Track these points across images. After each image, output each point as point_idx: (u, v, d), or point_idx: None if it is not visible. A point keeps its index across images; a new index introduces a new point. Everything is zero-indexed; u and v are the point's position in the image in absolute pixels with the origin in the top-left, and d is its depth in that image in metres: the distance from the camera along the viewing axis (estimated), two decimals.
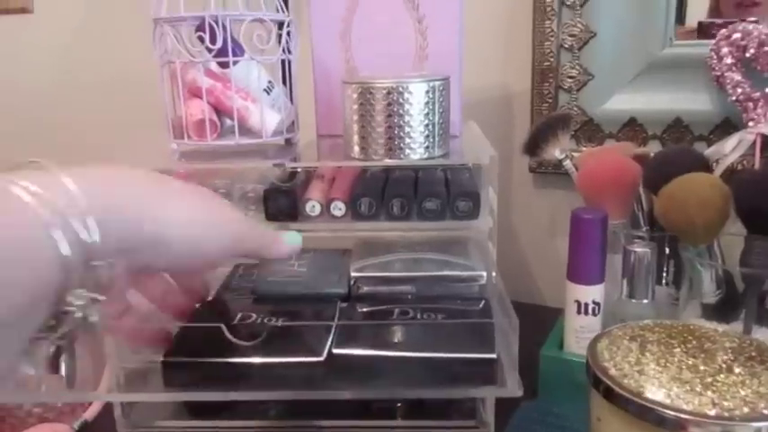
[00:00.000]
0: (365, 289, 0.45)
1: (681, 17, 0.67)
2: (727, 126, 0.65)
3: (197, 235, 0.32)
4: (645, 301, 0.52)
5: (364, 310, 0.43)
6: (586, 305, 0.53)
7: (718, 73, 0.61)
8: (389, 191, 0.48)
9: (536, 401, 0.55)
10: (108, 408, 0.53)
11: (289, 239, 0.39)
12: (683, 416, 0.32)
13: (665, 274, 0.60)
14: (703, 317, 0.51)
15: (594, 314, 0.53)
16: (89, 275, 0.27)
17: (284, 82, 0.58)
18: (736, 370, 0.36)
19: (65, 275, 0.26)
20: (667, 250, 0.59)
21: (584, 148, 0.73)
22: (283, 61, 0.56)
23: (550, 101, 0.73)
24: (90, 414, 0.52)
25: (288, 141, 0.56)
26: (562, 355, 0.55)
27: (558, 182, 0.75)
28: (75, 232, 0.26)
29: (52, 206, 0.26)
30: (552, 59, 0.72)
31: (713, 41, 0.61)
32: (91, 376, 0.53)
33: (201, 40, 0.50)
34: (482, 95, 0.78)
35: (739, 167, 0.63)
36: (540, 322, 0.62)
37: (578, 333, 0.54)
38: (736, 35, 0.59)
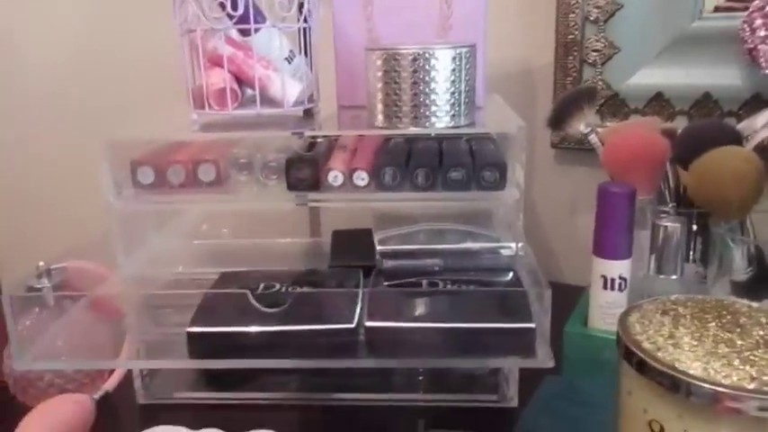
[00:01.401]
0: (390, 263, 0.45)
1: None
2: (758, 101, 0.64)
3: None
4: (673, 276, 0.51)
5: (391, 283, 0.43)
6: (613, 280, 0.52)
7: (751, 46, 0.59)
8: (414, 161, 0.47)
9: (559, 378, 0.54)
10: (128, 380, 0.53)
11: None
12: (720, 389, 0.31)
13: (691, 252, 0.58)
14: (733, 294, 0.50)
15: (621, 290, 0.52)
16: None
17: (305, 52, 0.57)
18: None
19: None
20: (695, 227, 0.58)
21: (608, 124, 0.71)
22: (304, 30, 0.55)
23: (574, 75, 0.72)
24: (110, 385, 0.52)
25: (308, 111, 0.55)
26: (587, 331, 0.54)
27: (581, 158, 0.74)
28: None
29: None
30: (577, 32, 0.70)
31: (745, 13, 0.59)
32: (111, 349, 0.53)
33: (222, 6, 0.48)
34: (504, 69, 0.77)
35: None
36: (560, 300, 0.61)
37: (604, 309, 0.53)
38: None
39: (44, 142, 1.05)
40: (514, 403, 0.50)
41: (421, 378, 0.50)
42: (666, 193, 0.60)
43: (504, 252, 0.45)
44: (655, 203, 0.58)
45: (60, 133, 1.05)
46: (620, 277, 0.51)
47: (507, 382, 0.49)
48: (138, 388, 0.53)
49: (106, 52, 1.02)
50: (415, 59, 0.44)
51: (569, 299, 0.59)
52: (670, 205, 0.59)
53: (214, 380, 0.53)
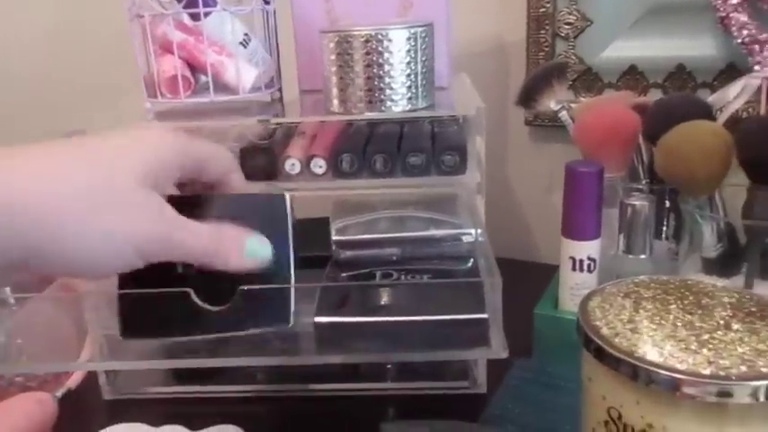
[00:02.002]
0: (347, 253, 0.43)
1: None
2: (732, 72, 0.62)
3: (85, 248, 0.27)
4: (642, 256, 0.50)
5: (346, 274, 0.41)
6: (581, 261, 0.51)
7: (723, 14, 0.57)
8: (372, 146, 0.45)
9: (529, 361, 0.54)
10: (92, 375, 0.52)
11: (249, 250, 0.32)
12: (676, 375, 0.31)
13: (664, 228, 0.57)
14: (703, 271, 0.49)
15: (590, 271, 0.51)
16: None
17: (265, 35, 0.55)
18: (735, 326, 0.34)
19: None
20: (667, 203, 0.57)
21: (582, 99, 0.70)
22: (264, 13, 0.53)
23: (547, 49, 0.70)
24: (73, 382, 0.51)
25: (269, 97, 0.54)
26: (556, 313, 0.53)
27: (556, 135, 0.73)
28: None
29: None
30: (548, 5, 0.68)
31: None
32: (74, 344, 0.52)
33: None
34: (475, 46, 0.75)
35: (744, 115, 0.60)
36: (536, 279, 0.60)
37: (573, 290, 0.52)
38: None
39: None
40: (484, 389, 0.49)
41: (389, 366, 0.49)
42: (640, 168, 0.59)
43: (465, 239, 0.44)
44: (627, 181, 0.57)
45: (15, 123, 1.02)
46: (589, 258, 0.51)
47: (476, 368, 0.48)
48: (103, 384, 0.52)
49: (62, 37, 0.99)
50: (367, 41, 0.42)
51: (545, 278, 0.58)
52: (644, 182, 0.58)
53: (181, 374, 0.52)
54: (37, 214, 0.26)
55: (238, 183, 0.35)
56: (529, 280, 0.63)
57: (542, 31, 0.70)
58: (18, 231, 0.25)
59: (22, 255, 0.26)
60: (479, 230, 0.38)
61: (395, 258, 0.42)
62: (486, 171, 0.46)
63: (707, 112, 0.51)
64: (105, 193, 0.28)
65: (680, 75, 0.65)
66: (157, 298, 0.31)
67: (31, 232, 0.26)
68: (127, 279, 0.32)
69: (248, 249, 0.32)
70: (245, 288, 0.32)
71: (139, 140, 0.30)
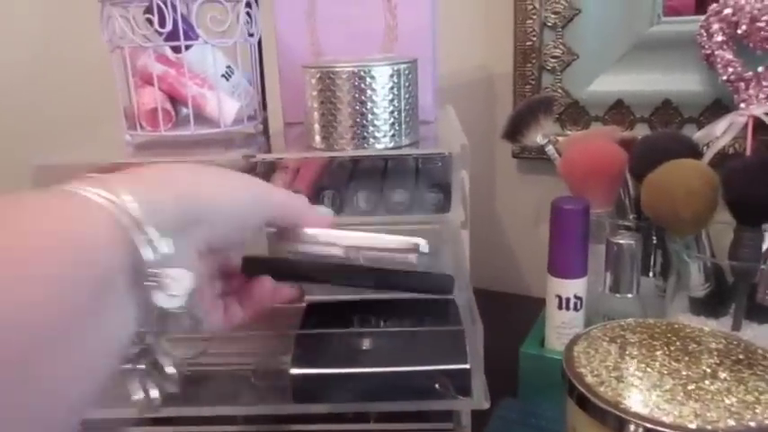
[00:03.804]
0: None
1: None
2: (718, 107, 0.62)
3: (243, 206, 0.35)
4: (629, 295, 0.49)
5: (323, 320, 0.40)
6: (568, 300, 0.50)
7: (709, 51, 0.58)
8: (355, 183, 0.44)
9: (516, 401, 0.52)
10: None
11: (322, 210, 0.40)
12: (661, 429, 0.30)
13: (652, 265, 0.57)
14: (691, 311, 0.48)
15: (576, 309, 0.50)
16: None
17: (252, 67, 0.54)
18: (722, 375, 0.33)
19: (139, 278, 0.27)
20: (655, 239, 0.56)
21: (569, 133, 0.70)
22: (249, 45, 0.53)
23: (533, 83, 0.70)
24: None
25: (252, 129, 0.53)
26: (542, 352, 0.52)
27: (544, 167, 0.72)
28: (150, 239, 0.27)
29: (127, 213, 0.27)
30: (535, 39, 0.69)
31: (702, 17, 0.58)
32: None
33: (150, 22, 0.46)
34: (462, 78, 0.75)
35: (731, 151, 0.60)
36: (524, 313, 0.59)
37: (560, 329, 0.51)
38: (728, 10, 0.56)
39: None
40: (469, 431, 0.48)
41: None
42: (627, 203, 0.58)
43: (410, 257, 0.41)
44: (614, 216, 0.57)
45: None
46: (575, 296, 0.50)
47: (460, 410, 0.46)
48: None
49: (43, 68, 0.99)
50: (350, 78, 0.42)
51: (533, 312, 0.57)
52: (631, 217, 0.58)
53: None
54: (207, 197, 0.33)
55: (314, 221, 0.39)
56: (517, 314, 0.62)
57: (529, 65, 0.70)
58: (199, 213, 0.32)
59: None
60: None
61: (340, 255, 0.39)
62: (473, 203, 0.45)
63: (692, 150, 0.51)
64: (232, 177, 0.35)
65: (666, 110, 0.65)
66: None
67: (206, 207, 0.32)
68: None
69: (321, 210, 0.39)
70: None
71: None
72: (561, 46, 0.68)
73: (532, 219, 0.77)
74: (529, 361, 0.52)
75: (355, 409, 0.38)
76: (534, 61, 0.69)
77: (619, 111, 0.67)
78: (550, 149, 0.60)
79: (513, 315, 0.61)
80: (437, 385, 0.36)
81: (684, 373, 0.33)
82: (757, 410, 0.30)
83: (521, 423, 0.50)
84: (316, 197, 0.44)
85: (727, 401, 0.31)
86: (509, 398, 0.53)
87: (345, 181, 0.45)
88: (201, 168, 0.34)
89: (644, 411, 0.31)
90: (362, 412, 0.48)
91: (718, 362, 0.34)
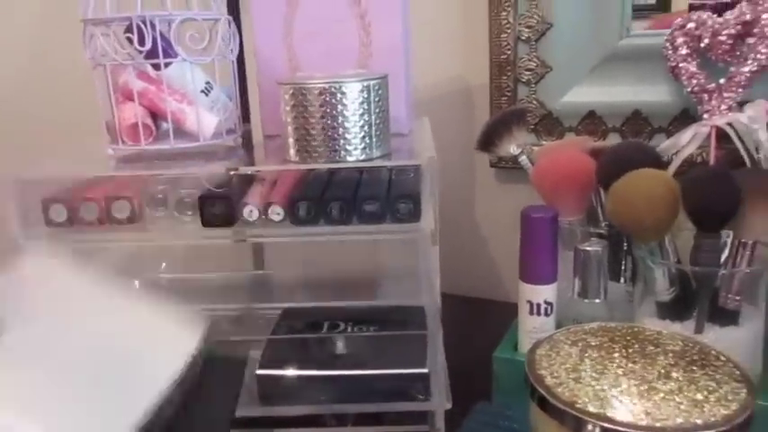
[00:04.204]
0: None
1: (665, 2, 0.65)
2: (686, 117, 0.64)
3: None
4: (597, 300, 0.51)
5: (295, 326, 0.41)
6: (538, 305, 0.52)
7: (674, 63, 0.60)
8: (329, 194, 0.46)
9: (490, 404, 0.54)
10: None
11: None
12: (613, 427, 0.31)
13: (623, 271, 0.58)
14: (657, 315, 0.50)
15: (547, 314, 0.52)
16: None
17: (233, 81, 0.56)
18: (675, 375, 0.35)
19: None
20: (626, 246, 0.58)
21: (544, 143, 0.72)
22: (229, 61, 0.55)
23: (509, 94, 0.72)
24: None
25: (234, 142, 0.55)
26: (516, 356, 0.54)
27: (521, 176, 0.74)
28: None
29: None
30: (509, 52, 0.70)
31: (668, 31, 0.60)
32: None
33: (130, 41, 0.48)
34: (440, 90, 0.77)
35: (699, 160, 0.62)
36: (501, 318, 0.61)
37: (531, 334, 0.52)
38: (691, 24, 0.58)
39: None
40: None
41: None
42: (599, 211, 0.60)
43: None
44: (585, 224, 0.58)
45: None
46: (546, 302, 0.51)
47: (435, 412, 0.48)
48: None
49: (29, 79, 1.00)
50: (321, 94, 0.43)
51: (511, 317, 0.59)
52: (602, 224, 0.59)
53: None
54: None
55: None
56: (494, 319, 0.63)
57: (504, 77, 0.71)
58: None
59: None
60: (436, 278, 0.38)
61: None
62: (452, 212, 0.46)
63: (655, 160, 0.53)
64: None
65: (636, 120, 0.67)
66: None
67: None
68: None
69: None
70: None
71: None
72: (535, 59, 0.70)
73: (510, 226, 0.78)
74: (502, 365, 0.53)
75: (316, 411, 0.39)
76: (509, 74, 0.71)
77: (591, 121, 0.69)
78: (524, 159, 0.62)
79: (490, 321, 0.63)
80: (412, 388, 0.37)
81: (640, 373, 0.35)
82: (705, 409, 0.32)
83: (493, 425, 0.51)
84: (291, 208, 0.46)
85: (678, 400, 0.32)
86: (484, 401, 0.54)
87: (320, 192, 0.47)
88: None
89: (598, 411, 0.32)
90: (341, 415, 0.49)
91: (672, 363, 0.36)
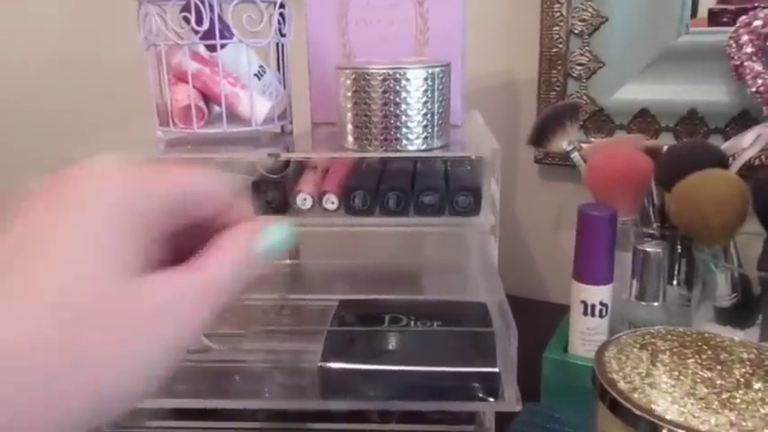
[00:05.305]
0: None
1: (694, 8, 0.64)
2: (745, 119, 0.62)
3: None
4: (655, 303, 0.49)
5: (355, 317, 0.40)
6: (593, 306, 0.50)
7: (738, 62, 0.58)
8: (385, 184, 0.45)
9: (538, 405, 0.52)
10: None
11: (264, 241, 0.26)
12: None
13: (676, 273, 0.57)
14: (716, 321, 0.48)
15: (602, 316, 0.50)
16: None
17: (278, 67, 0.55)
18: (756, 385, 0.33)
19: None
20: (679, 248, 0.56)
21: (592, 140, 0.70)
22: (277, 45, 0.53)
23: (558, 89, 0.70)
24: None
25: (281, 129, 0.53)
26: (566, 357, 0.52)
27: (565, 174, 0.72)
28: None
29: None
30: (561, 46, 0.69)
31: (732, 29, 0.58)
32: None
33: (187, 21, 0.47)
34: (487, 83, 0.75)
35: (757, 163, 0.60)
36: (544, 319, 0.59)
37: (584, 335, 0.51)
38: (758, 22, 0.56)
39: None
40: None
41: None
42: (651, 211, 0.58)
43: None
44: (638, 224, 0.57)
45: (26, 149, 1.02)
46: (601, 303, 0.50)
47: (484, 413, 0.47)
48: None
49: (77, 64, 1.00)
50: (385, 80, 0.42)
51: (554, 318, 0.57)
52: (655, 225, 0.58)
53: (181, 410, 0.51)
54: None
55: (243, 213, 0.27)
56: (537, 319, 0.61)
57: (554, 71, 0.70)
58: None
59: None
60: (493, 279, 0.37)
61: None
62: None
63: (721, 160, 0.51)
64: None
65: (692, 120, 0.65)
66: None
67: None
68: None
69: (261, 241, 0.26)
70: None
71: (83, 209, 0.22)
72: (587, 53, 0.68)
73: (553, 224, 0.77)
74: (552, 366, 0.52)
75: (382, 407, 0.38)
76: (560, 68, 0.69)
77: (644, 119, 0.67)
78: (575, 156, 0.60)
79: (532, 320, 0.61)
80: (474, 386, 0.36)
81: (718, 382, 0.33)
82: None
83: (544, 427, 0.50)
84: (347, 197, 0.45)
85: (763, 411, 0.31)
86: (530, 402, 0.53)
87: (376, 182, 0.45)
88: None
89: (679, 419, 0.31)
90: (385, 412, 0.48)
91: (750, 372, 0.34)
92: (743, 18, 0.57)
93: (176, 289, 0.23)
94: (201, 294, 0.23)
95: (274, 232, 0.26)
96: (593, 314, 0.50)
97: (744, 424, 0.30)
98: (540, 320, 0.59)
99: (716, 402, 0.32)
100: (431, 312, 0.38)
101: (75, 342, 0.20)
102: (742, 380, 0.33)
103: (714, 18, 0.62)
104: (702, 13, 0.63)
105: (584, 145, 0.66)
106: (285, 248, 0.29)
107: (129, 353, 0.21)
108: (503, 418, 0.49)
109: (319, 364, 0.33)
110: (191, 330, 0.23)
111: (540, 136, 0.61)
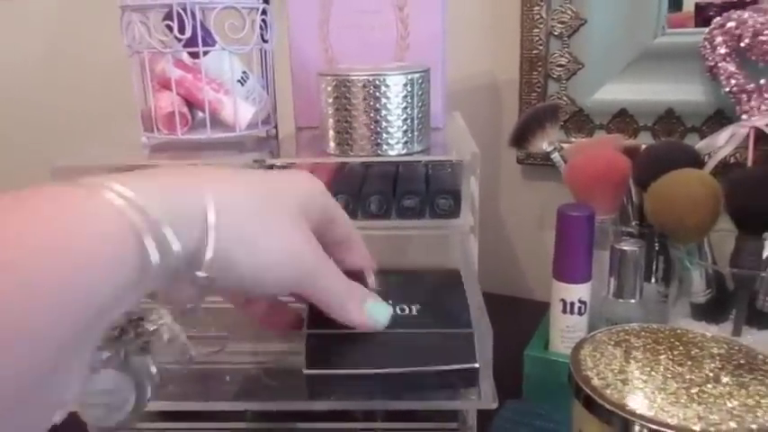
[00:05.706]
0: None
1: (677, 2, 0.65)
2: (720, 118, 0.63)
3: (279, 286, 0.32)
4: (632, 300, 0.50)
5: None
6: (572, 304, 0.51)
7: (712, 63, 0.59)
8: (367, 188, 0.46)
9: (520, 402, 0.53)
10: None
11: (373, 312, 0.36)
12: (666, 430, 0.31)
13: (654, 271, 0.58)
14: (692, 316, 0.50)
15: (581, 313, 0.51)
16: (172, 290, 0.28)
17: (262, 72, 0.56)
18: (724, 379, 0.34)
19: (143, 285, 0.25)
20: (657, 246, 0.57)
21: (573, 140, 0.71)
22: (261, 50, 0.54)
23: (539, 90, 0.71)
24: (59, 416, 0.50)
25: (265, 134, 0.54)
26: (547, 355, 0.53)
27: (548, 174, 0.74)
28: (167, 242, 0.25)
29: (143, 212, 0.25)
30: (541, 47, 0.70)
31: (706, 30, 0.59)
32: None
33: (170, 28, 0.47)
34: (469, 85, 0.76)
35: (732, 161, 0.61)
36: (527, 316, 0.60)
37: (564, 333, 0.52)
38: (731, 24, 0.57)
39: None
40: (474, 430, 0.49)
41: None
42: (630, 210, 0.59)
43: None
44: (617, 223, 0.58)
45: (10, 151, 1.02)
46: (580, 301, 0.51)
47: (467, 410, 0.48)
48: None
49: (59, 67, 1.00)
50: (365, 86, 0.43)
51: (537, 315, 0.59)
52: (633, 223, 0.59)
53: (169, 412, 0.52)
54: (229, 229, 0.28)
55: (359, 248, 0.37)
56: (519, 317, 0.63)
57: (535, 73, 0.71)
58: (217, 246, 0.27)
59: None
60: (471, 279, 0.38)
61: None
62: (478, 210, 0.46)
63: (695, 160, 0.52)
64: (279, 245, 0.30)
65: (669, 119, 0.66)
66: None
67: (236, 282, 0.29)
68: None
69: (370, 310, 0.36)
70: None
71: (293, 182, 0.33)
72: (567, 55, 0.69)
73: (536, 223, 0.78)
74: (533, 363, 0.53)
75: (364, 407, 0.39)
76: (540, 69, 0.70)
77: (622, 119, 0.68)
78: (556, 156, 0.61)
79: (514, 318, 0.62)
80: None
81: (688, 376, 0.34)
82: (758, 414, 0.31)
83: (525, 423, 0.51)
84: None
85: (730, 405, 0.32)
86: (512, 399, 0.54)
87: (358, 185, 0.46)
88: (245, 224, 0.29)
89: (649, 413, 0.32)
90: (370, 411, 0.49)
91: (720, 366, 0.35)
92: (717, 20, 0.58)
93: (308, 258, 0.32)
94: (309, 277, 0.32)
95: (383, 311, 0.37)
96: (572, 312, 0.51)
97: (711, 417, 0.31)
98: (524, 318, 0.61)
99: (685, 396, 0.33)
100: (410, 294, 0.39)
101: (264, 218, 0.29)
102: (711, 374, 0.35)
103: (700, 13, 0.63)
104: (688, 6, 0.64)
105: (564, 145, 0.67)
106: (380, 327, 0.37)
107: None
108: (485, 414, 0.50)
109: (305, 371, 0.34)
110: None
111: (521, 138, 0.62)
